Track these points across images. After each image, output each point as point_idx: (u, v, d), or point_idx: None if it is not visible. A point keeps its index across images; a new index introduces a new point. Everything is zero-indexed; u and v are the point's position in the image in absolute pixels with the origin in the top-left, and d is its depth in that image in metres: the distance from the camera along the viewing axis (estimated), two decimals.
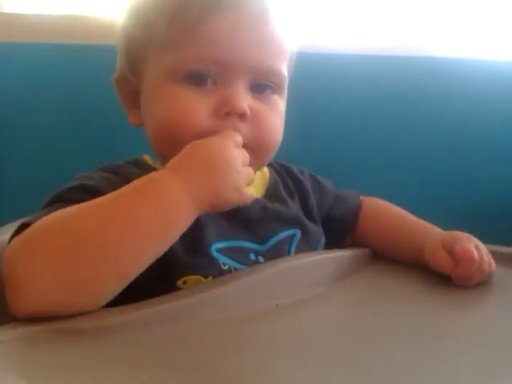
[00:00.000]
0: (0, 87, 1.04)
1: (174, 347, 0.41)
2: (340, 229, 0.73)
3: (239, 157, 0.52)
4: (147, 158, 0.63)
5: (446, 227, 0.66)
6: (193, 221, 0.49)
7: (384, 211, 0.74)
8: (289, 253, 0.62)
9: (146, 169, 0.59)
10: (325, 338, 0.45)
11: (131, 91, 0.61)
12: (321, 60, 0.99)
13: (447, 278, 0.59)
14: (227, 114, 0.55)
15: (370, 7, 1.13)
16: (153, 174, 0.49)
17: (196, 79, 0.55)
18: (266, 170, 0.68)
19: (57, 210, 0.47)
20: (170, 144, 0.55)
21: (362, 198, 0.76)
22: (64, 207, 0.47)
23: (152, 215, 0.46)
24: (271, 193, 0.65)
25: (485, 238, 0.62)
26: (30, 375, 0.37)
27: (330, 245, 0.70)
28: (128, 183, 0.55)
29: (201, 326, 0.44)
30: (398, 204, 0.75)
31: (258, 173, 0.67)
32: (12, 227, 0.61)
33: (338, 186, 0.77)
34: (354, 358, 0.42)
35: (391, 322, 0.49)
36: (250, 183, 0.53)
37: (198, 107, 0.54)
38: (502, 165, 1.06)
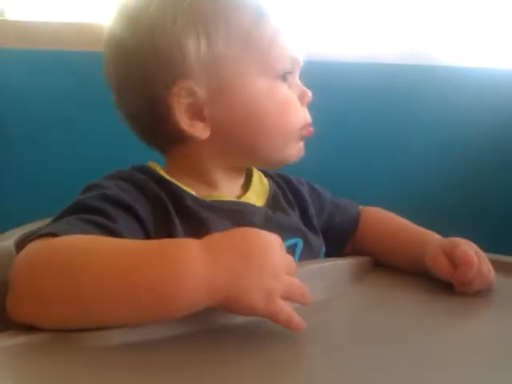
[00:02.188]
0: (0, 94, 1.04)
1: (175, 353, 0.41)
2: (339, 237, 0.73)
3: (285, 262, 0.46)
4: (152, 164, 0.63)
5: (446, 236, 0.66)
6: (198, 309, 0.43)
7: (384, 219, 0.75)
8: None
9: (153, 175, 0.59)
10: (325, 346, 0.45)
11: (192, 103, 0.59)
12: (324, 68, 1.00)
13: (447, 286, 0.60)
14: (306, 102, 0.63)
15: (374, 16, 1.13)
16: (185, 242, 0.45)
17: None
18: (265, 180, 0.69)
19: (73, 223, 0.48)
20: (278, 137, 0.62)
21: (361, 207, 0.77)
22: (84, 218, 0.49)
23: (152, 287, 0.42)
24: (272, 203, 0.66)
25: (485, 247, 0.62)
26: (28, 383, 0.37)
27: (330, 253, 0.70)
28: (138, 189, 0.56)
29: (202, 333, 0.44)
30: (398, 213, 0.75)
31: (258, 183, 0.67)
32: (13, 233, 0.62)
33: (337, 195, 0.77)
34: (354, 366, 0.42)
35: (391, 330, 0.49)
36: (292, 298, 0.46)
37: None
38: (503, 174, 1.06)
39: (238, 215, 0.60)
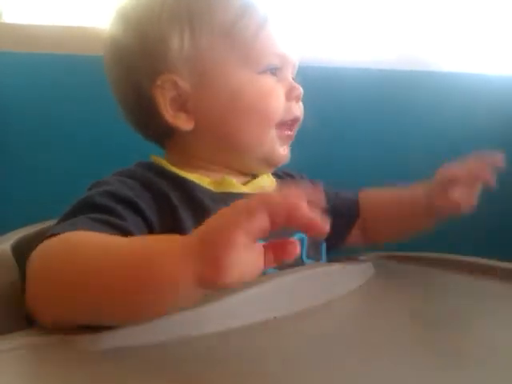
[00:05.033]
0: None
1: (164, 360, 0.41)
2: (343, 223, 0.75)
3: (248, 232, 0.38)
4: (157, 158, 0.63)
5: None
6: (184, 288, 0.40)
7: (379, 190, 0.78)
8: (300, 255, 0.62)
9: (158, 169, 0.60)
10: (322, 351, 0.44)
11: (176, 96, 0.61)
12: (322, 73, 1.00)
13: (448, 289, 0.60)
14: (296, 97, 0.64)
15: (371, 22, 1.14)
16: (177, 237, 0.42)
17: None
18: (271, 177, 0.70)
19: (83, 222, 0.48)
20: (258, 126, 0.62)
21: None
22: (93, 217, 0.49)
23: (135, 270, 0.40)
24: None
25: (485, 253, 0.63)
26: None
27: (336, 243, 0.73)
28: (143, 186, 0.56)
29: (197, 338, 0.44)
30: None
31: (268, 179, 0.68)
32: (12, 236, 0.61)
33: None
34: (354, 369, 0.41)
35: (392, 336, 0.49)
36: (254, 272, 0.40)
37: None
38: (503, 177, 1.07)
39: None
